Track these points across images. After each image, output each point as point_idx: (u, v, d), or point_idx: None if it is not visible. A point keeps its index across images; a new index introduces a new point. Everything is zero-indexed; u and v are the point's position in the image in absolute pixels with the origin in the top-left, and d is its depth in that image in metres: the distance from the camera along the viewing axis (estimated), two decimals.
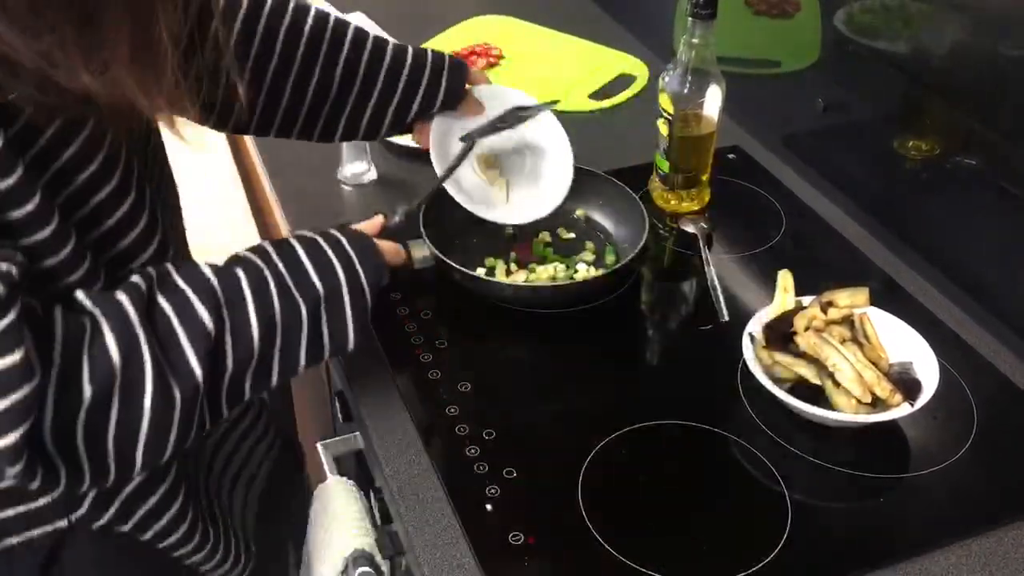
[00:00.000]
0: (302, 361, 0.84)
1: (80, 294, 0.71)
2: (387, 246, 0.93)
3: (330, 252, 0.86)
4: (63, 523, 0.82)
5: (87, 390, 0.68)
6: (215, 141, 2.16)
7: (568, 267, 1.14)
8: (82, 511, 0.83)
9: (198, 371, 0.74)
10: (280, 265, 0.82)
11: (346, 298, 0.85)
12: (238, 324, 0.77)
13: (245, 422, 1.03)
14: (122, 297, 0.72)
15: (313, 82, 1.03)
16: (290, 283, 0.82)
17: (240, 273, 0.80)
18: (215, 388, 0.78)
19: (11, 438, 0.64)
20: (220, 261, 0.82)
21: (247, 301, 0.78)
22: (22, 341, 0.63)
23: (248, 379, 0.80)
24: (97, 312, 0.71)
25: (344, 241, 0.88)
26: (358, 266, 0.86)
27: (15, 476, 0.66)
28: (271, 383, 0.83)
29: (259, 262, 0.82)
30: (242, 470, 1.04)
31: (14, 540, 0.81)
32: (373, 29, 1.69)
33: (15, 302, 0.64)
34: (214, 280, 0.77)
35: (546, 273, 1.12)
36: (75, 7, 0.62)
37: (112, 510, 0.84)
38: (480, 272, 1.10)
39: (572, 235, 1.20)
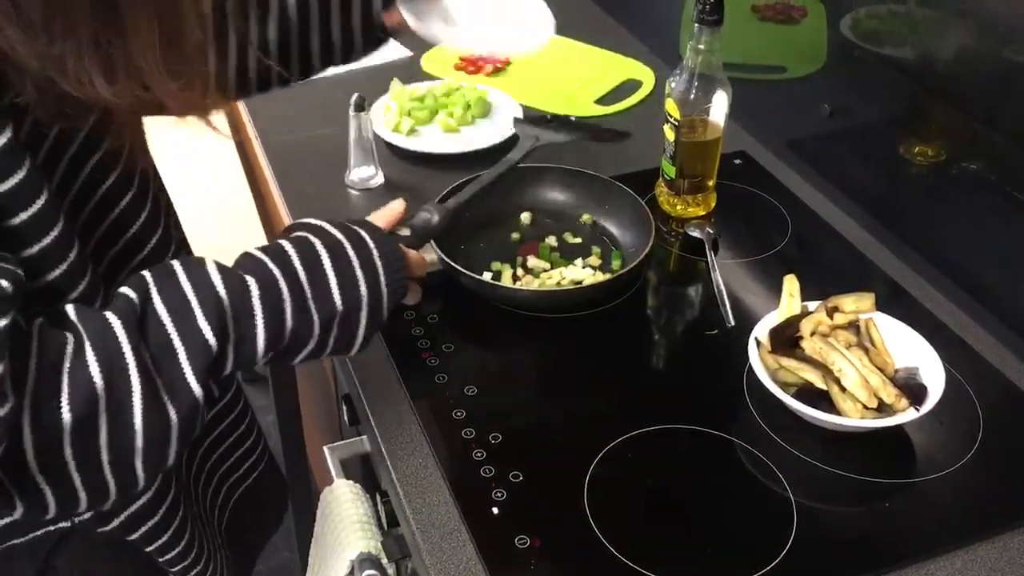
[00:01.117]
0: (296, 362, 0.81)
1: (68, 306, 0.68)
2: (414, 256, 0.89)
3: (356, 264, 0.80)
4: (66, 524, 0.82)
5: (66, 415, 0.63)
6: (221, 144, 2.16)
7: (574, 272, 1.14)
8: (87, 515, 0.83)
9: (196, 389, 0.69)
10: (301, 275, 0.77)
11: (363, 317, 0.81)
12: (243, 338, 0.73)
13: (240, 430, 1.04)
14: (110, 314, 0.68)
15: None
16: (309, 297, 0.77)
17: (252, 285, 0.74)
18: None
19: None
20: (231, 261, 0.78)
21: (256, 317, 0.73)
22: (1, 359, 0.60)
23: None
24: (80, 328, 0.66)
25: (374, 253, 0.82)
26: (383, 285, 0.81)
27: None
28: (255, 365, 0.78)
29: (276, 272, 0.76)
30: (225, 481, 1.04)
31: (17, 540, 0.81)
32: None
33: (3, 317, 0.61)
34: (222, 289, 0.72)
35: (552, 279, 1.12)
36: (97, 9, 0.61)
37: (118, 521, 0.84)
38: (487, 277, 1.10)
39: (578, 240, 1.20)
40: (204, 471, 1.00)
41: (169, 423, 0.68)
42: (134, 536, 0.87)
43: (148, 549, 0.88)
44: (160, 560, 0.90)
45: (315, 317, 0.77)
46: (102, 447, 0.66)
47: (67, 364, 0.64)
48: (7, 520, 0.79)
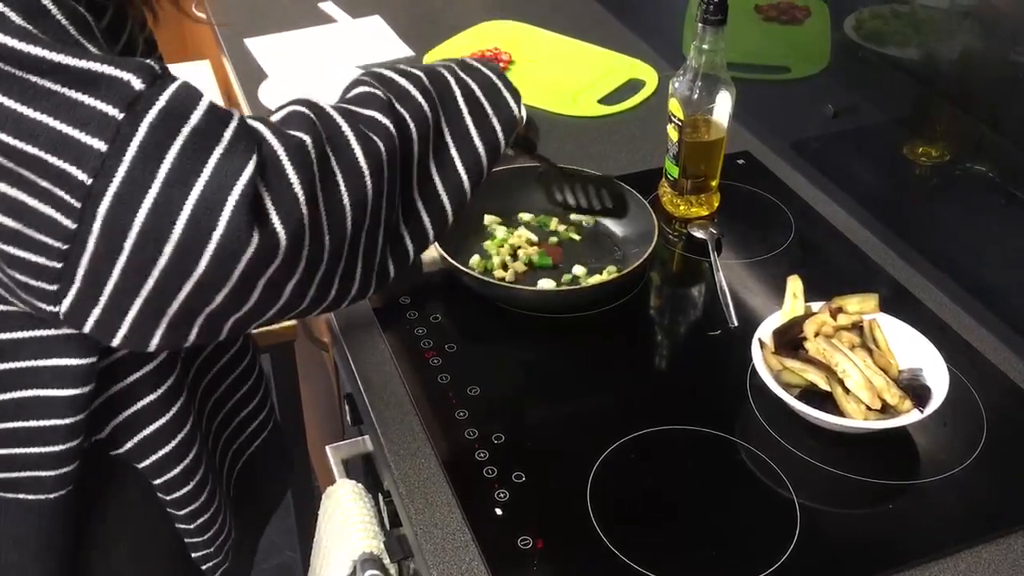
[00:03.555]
0: (473, 133, 0.86)
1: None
2: None
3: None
4: (84, 443, 0.83)
5: (302, 135, 0.69)
6: None
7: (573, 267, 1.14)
8: (103, 435, 0.84)
9: (387, 122, 0.77)
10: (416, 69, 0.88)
11: (489, 74, 0.90)
12: (398, 93, 0.81)
13: (244, 388, 1.04)
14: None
15: None
16: (424, 68, 0.87)
17: (381, 69, 0.86)
18: (406, 165, 0.81)
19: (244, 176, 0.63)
20: None
21: (393, 77, 0.83)
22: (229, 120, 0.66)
23: (432, 161, 0.84)
24: (285, 106, 0.74)
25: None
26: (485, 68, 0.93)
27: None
28: (458, 169, 0.86)
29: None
30: (232, 443, 1.04)
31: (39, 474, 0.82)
32: (388, 34, 1.71)
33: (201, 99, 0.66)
34: (363, 78, 0.83)
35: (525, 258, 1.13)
36: None
37: (131, 444, 0.85)
38: (485, 274, 1.10)
39: (579, 237, 1.20)
40: (212, 430, 1.00)
41: (381, 154, 0.76)
42: (146, 463, 0.87)
43: (171, 496, 0.89)
44: (168, 499, 0.90)
45: (443, 71, 0.88)
46: (336, 173, 0.72)
47: (277, 116, 0.73)
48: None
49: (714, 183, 1.24)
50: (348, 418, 1.12)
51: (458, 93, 0.87)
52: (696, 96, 1.16)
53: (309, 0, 1.82)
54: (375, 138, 0.75)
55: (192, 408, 0.90)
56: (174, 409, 0.87)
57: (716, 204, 1.25)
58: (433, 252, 1.09)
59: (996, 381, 1.01)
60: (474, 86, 0.88)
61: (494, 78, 0.90)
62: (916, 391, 0.92)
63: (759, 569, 0.82)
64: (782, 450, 0.93)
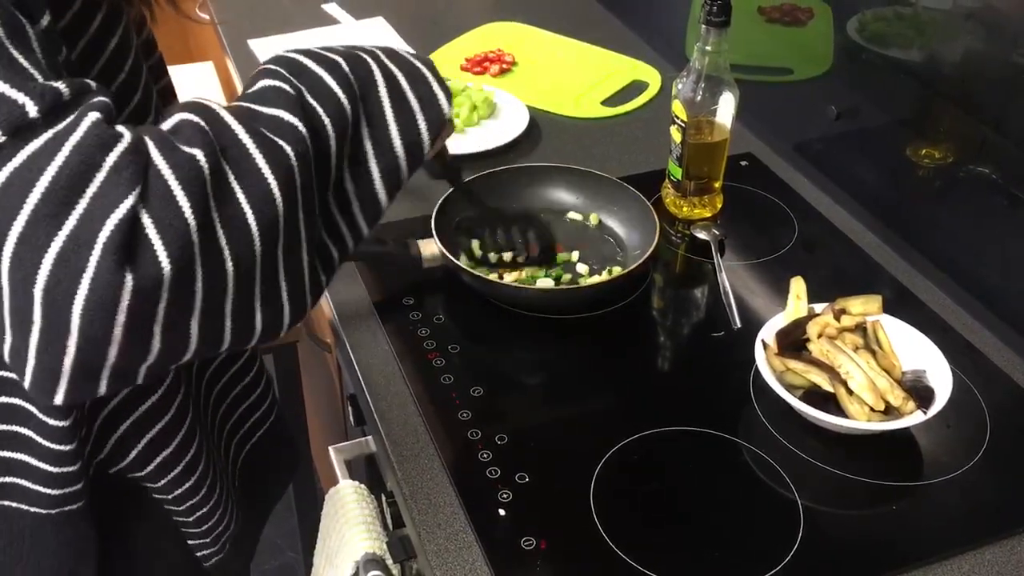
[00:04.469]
0: (394, 133, 0.75)
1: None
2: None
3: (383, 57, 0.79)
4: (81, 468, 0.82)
5: (191, 150, 0.60)
6: None
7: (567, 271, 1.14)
8: (103, 455, 0.83)
9: (296, 122, 0.67)
10: (329, 51, 0.76)
11: (419, 65, 0.78)
12: (311, 83, 0.71)
13: (246, 379, 1.04)
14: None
15: None
16: (342, 51, 0.77)
17: (292, 54, 0.74)
18: (322, 169, 0.70)
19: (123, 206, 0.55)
20: None
21: (306, 64, 0.72)
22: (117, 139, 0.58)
23: (347, 172, 0.73)
24: (176, 112, 0.64)
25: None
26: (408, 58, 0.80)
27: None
28: (372, 180, 0.74)
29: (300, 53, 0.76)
30: (235, 434, 1.04)
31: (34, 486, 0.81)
32: (392, 35, 1.71)
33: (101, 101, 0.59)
34: (270, 65, 0.72)
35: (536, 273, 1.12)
36: None
37: (134, 453, 0.85)
38: (491, 276, 1.10)
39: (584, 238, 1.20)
40: (215, 423, 0.99)
41: (289, 160, 0.65)
42: (161, 482, 0.87)
43: (172, 495, 0.88)
44: (168, 497, 0.90)
45: (366, 57, 0.77)
46: (236, 189, 0.62)
47: (168, 125, 0.63)
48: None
49: (717, 184, 1.24)
50: (351, 419, 1.13)
51: (381, 84, 0.75)
52: (699, 98, 1.16)
53: (312, 1, 1.83)
54: (280, 142, 0.65)
55: (190, 404, 0.90)
56: (170, 413, 0.86)
57: (719, 205, 1.25)
58: (433, 248, 1.09)
59: (999, 382, 1.01)
60: (400, 76, 0.77)
61: (423, 69, 0.79)
62: (919, 392, 0.92)
63: (762, 570, 0.82)
64: (785, 451, 0.93)
